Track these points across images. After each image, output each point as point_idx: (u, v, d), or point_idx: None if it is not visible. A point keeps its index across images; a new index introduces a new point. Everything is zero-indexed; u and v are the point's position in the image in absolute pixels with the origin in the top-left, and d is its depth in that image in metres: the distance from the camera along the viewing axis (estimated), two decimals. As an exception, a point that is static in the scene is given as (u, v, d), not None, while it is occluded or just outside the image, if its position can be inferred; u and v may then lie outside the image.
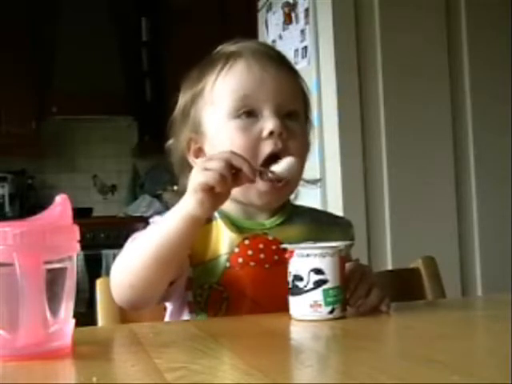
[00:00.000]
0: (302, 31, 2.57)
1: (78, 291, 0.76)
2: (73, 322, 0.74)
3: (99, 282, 1.10)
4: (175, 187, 1.13)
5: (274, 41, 2.81)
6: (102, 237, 3.92)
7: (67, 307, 0.72)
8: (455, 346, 0.72)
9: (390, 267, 2.27)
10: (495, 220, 2.49)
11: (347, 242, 0.95)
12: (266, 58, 1.04)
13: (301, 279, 0.88)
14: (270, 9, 2.87)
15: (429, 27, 2.47)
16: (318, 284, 0.87)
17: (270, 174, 0.95)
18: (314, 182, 1.15)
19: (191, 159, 1.07)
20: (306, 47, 2.54)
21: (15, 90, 4.07)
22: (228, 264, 1.01)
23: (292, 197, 1.12)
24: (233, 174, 0.85)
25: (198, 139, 1.06)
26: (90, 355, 0.73)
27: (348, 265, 0.94)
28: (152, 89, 4.45)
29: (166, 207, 0.88)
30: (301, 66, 2.48)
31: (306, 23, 2.54)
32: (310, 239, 0.96)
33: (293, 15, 2.66)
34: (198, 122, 1.06)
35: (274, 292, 0.96)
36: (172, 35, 4.20)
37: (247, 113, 1.01)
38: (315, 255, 0.87)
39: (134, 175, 4.63)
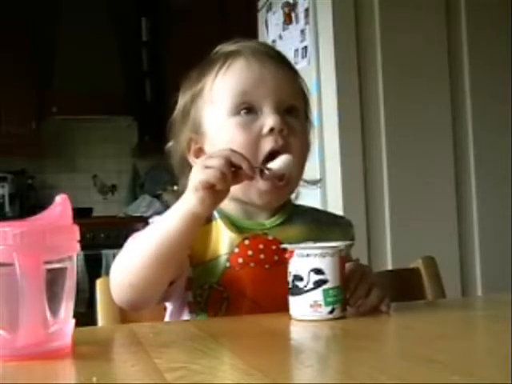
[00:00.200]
0: (302, 31, 2.57)
1: (78, 291, 0.76)
2: (73, 322, 0.74)
3: (99, 282, 1.10)
4: (175, 187, 1.13)
5: (273, 41, 2.81)
6: (102, 237, 3.92)
7: (67, 307, 0.72)
8: (455, 346, 0.72)
9: (390, 267, 2.27)
10: (495, 220, 2.49)
11: (347, 242, 0.95)
12: (266, 57, 1.04)
13: (301, 279, 0.88)
14: (270, 9, 2.87)
15: (429, 27, 2.47)
16: (317, 284, 0.87)
17: (266, 171, 0.95)
18: (314, 182, 1.15)
19: (191, 159, 1.07)
20: (305, 47, 2.54)
21: (15, 90, 4.07)
22: (228, 264, 1.00)
23: (293, 196, 1.12)
24: (232, 171, 0.85)
25: (198, 139, 1.06)
26: (90, 355, 0.73)
27: (348, 265, 0.94)
28: (152, 89, 4.45)
29: (166, 207, 0.88)
30: (301, 65, 2.48)
31: (306, 23, 2.54)
32: (310, 239, 0.96)
33: (293, 15, 2.66)
34: (198, 122, 1.06)
35: (273, 292, 0.96)
36: (172, 35, 4.20)
37: (247, 110, 1.01)
38: (315, 255, 0.87)
39: (134, 175, 4.63)
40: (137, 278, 0.89)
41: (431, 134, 2.45)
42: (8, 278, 0.68)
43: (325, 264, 0.87)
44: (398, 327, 0.91)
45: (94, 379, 0.60)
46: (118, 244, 0.96)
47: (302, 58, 2.55)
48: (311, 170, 1.15)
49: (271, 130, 0.99)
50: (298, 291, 0.88)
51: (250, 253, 1.01)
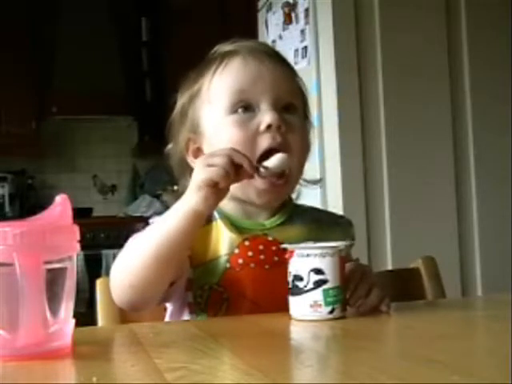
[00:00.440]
0: (302, 31, 2.57)
1: (78, 291, 0.76)
2: (73, 322, 0.74)
3: (99, 282, 1.10)
4: (175, 187, 1.13)
5: (274, 41, 2.81)
6: (102, 237, 3.92)
7: (67, 307, 0.72)
8: (455, 346, 0.72)
9: (390, 267, 2.27)
10: (495, 220, 2.49)
11: (347, 242, 0.95)
12: (264, 55, 1.03)
13: (301, 279, 0.88)
14: (270, 9, 2.87)
15: (429, 27, 2.47)
16: (318, 284, 0.87)
17: (262, 170, 0.94)
18: (314, 182, 1.15)
19: (190, 159, 1.07)
20: (305, 47, 2.54)
21: (15, 90, 4.07)
22: (228, 265, 1.00)
23: (294, 196, 1.12)
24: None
25: (196, 139, 1.06)
26: (90, 355, 0.73)
27: (348, 265, 0.94)
28: (152, 89, 4.45)
29: (166, 207, 0.87)
30: (301, 66, 2.48)
31: (306, 23, 2.54)
32: (310, 239, 0.96)
33: (293, 15, 2.66)
34: (196, 122, 1.06)
35: (273, 293, 0.96)
36: (172, 35, 4.20)
37: (244, 107, 1.00)
38: (315, 255, 0.87)
39: (134, 175, 4.63)
40: (137, 279, 0.88)
41: (431, 134, 2.45)
42: (8, 277, 0.68)
43: (325, 264, 0.87)
44: (398, 327, 0.91)
45: (94, 379, 0.60)
46: (118, 244, 0.96)
47: (302, 58, 2.55)
48: (311, 170, 1.15)
49: (269, 126, 0.98)
50: (297, 291, 0.88)
51: (250, 253, 1.01)
